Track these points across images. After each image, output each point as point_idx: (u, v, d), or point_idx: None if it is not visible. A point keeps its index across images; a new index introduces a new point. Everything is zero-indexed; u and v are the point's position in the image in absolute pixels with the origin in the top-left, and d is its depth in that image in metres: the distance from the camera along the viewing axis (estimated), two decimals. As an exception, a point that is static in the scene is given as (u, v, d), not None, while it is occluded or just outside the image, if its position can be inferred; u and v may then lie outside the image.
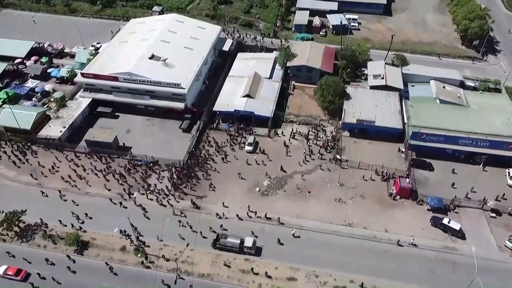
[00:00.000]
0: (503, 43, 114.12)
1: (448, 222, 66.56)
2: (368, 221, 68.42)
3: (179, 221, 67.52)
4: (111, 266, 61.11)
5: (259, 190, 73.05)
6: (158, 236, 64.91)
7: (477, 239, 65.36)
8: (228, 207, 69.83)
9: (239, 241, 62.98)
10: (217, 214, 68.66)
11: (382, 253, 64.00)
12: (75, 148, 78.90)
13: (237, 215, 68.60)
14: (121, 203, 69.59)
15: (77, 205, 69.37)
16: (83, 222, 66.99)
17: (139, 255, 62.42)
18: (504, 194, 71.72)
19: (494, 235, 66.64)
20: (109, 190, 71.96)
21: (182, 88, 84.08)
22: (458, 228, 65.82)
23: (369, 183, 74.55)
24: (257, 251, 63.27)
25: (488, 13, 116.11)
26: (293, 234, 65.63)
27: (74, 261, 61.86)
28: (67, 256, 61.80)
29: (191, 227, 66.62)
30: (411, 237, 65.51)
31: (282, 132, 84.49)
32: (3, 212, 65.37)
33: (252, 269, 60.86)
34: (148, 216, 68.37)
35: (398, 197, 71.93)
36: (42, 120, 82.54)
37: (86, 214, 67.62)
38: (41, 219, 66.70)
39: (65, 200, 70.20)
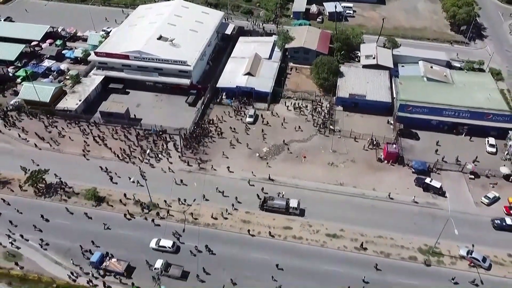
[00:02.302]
0: (490, 29, 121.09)
1: (430, 181, 73.50)
2: (357, 181, 75.41)
3: (178, 180, 74.62)
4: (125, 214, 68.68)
5: (258, 155, 80.00)
6: (180, 198, 71.89)
7: (457, 196, 72.34)
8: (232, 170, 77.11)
9: (285, 202, 69.03)
10: (228, 168, 76.16)
11: (369, 207, 70.97)
12: (90, 119, 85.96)
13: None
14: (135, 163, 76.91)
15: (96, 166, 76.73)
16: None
17: (150, 208, 69.39)
18: (477, 157, 79.18)
19: (472, 193, 73.63)
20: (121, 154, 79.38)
21: (188, 65, 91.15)
22: (438, 186, 72.71)
23: (360, 150, 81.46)
24: (300, 211, 69.47)
25: (476, 0, 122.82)
26: (283, 195, 71.80)
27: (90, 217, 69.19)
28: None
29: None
30: (413, 196, 72.15)
31: (286, 104, 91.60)
32: (29, 170, 72.43)
33: (248, 231, 66.94)
34: (158, 175, 75.37)
35: (386, 161, 78.92)
36: (59, 95, 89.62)
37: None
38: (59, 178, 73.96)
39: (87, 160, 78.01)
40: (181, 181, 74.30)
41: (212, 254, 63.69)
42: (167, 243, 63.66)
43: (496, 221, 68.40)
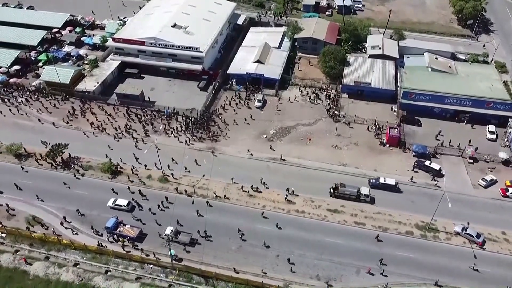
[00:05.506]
0: (497, 24, 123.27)
1: (430, 164, 76.49)
2: (359, 162, 78.72)
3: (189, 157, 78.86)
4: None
5: (265, 137, 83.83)
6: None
7: (455, 178, 75.38)
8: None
9: (356, 190, 71.34)
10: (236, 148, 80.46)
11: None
12: (107, 100, 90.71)
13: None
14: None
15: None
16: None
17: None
18: (470, 141, 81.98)
19: (470, 176, 76.46)
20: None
21: (200, 51, 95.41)
22: (438, 168, 75.67)
23: (363, 134, 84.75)
24: (371, 199, 71.18)
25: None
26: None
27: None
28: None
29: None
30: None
31: (299, 89, 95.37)
32: (49, 143, 77.31)
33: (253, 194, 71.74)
34: (169, 152, 79.43)
35: (388, 145, 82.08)
36: (78, 77, 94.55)
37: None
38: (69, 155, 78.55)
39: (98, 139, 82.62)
40: (195, 161, 78.50)
41: (210, 241, 65.87)
42: (122, 202, 69.01)
43: (371, 180, 73.69)
